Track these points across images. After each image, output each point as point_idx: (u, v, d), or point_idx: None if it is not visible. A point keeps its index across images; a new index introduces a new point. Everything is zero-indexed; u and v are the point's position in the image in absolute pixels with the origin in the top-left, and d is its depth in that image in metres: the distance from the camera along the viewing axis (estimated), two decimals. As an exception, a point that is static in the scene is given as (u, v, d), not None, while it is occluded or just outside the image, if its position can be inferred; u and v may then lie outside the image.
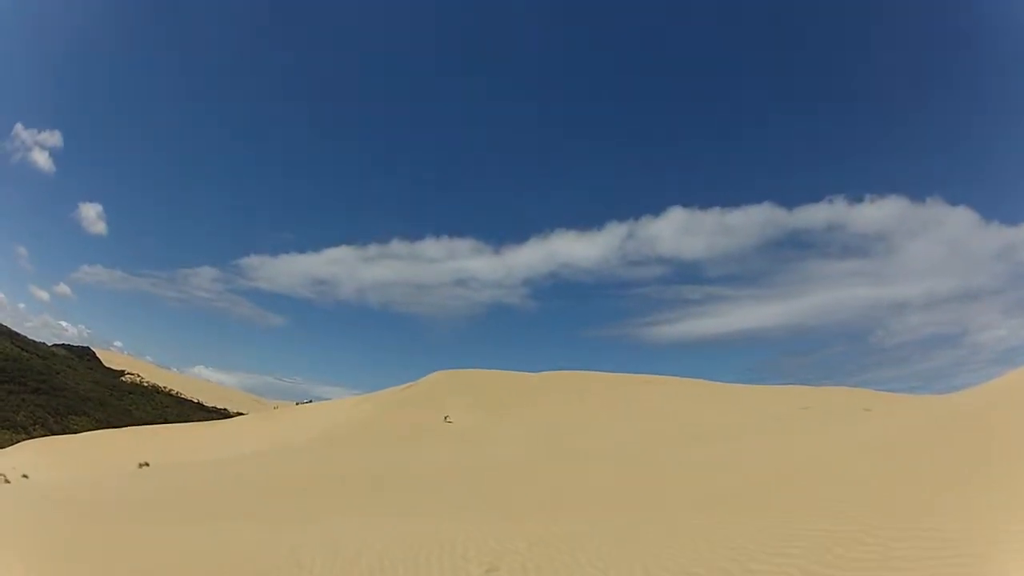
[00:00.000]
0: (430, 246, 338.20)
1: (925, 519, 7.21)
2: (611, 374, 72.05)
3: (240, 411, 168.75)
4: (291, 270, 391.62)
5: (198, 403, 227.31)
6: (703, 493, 13.66)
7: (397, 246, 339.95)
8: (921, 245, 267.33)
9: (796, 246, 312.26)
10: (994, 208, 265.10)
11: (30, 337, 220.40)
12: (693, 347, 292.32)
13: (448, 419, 52.91)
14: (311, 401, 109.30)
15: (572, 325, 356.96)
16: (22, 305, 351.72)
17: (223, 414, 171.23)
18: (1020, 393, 16.75)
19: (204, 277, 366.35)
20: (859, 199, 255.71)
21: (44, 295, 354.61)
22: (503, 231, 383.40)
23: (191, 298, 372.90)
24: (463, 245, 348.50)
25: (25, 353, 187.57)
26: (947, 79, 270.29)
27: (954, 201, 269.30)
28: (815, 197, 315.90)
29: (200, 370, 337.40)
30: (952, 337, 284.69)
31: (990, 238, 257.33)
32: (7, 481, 39.17)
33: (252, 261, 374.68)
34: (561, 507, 14.77)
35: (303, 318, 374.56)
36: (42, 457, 56.91)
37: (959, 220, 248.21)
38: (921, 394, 63.60)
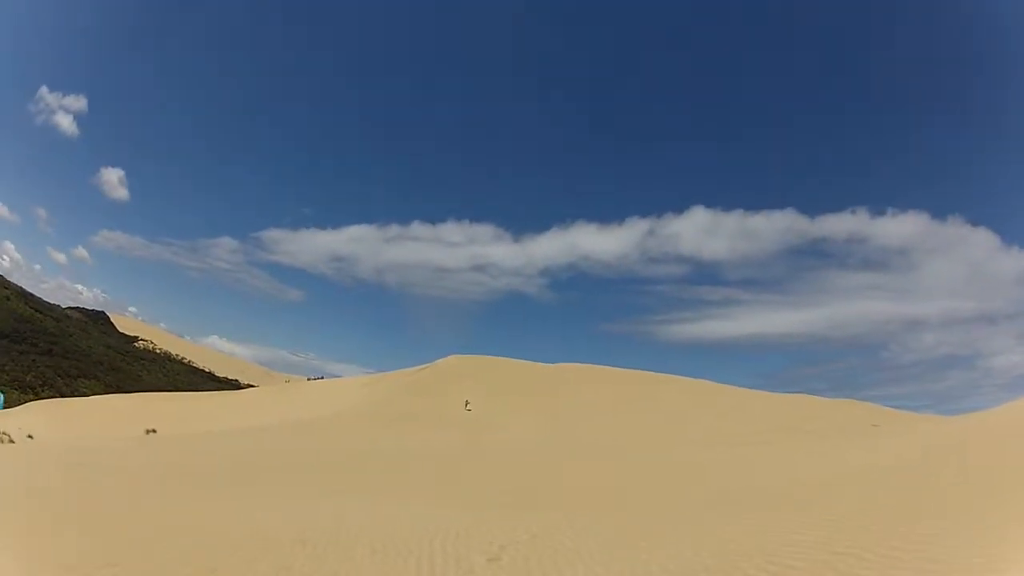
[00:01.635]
0: (451, 230, 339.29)
1: (926, 540, 7.16)
2: (624, 370, 72.11)
3: (251, 383, 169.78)
4: (311, 246, 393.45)
5: (209, 373, 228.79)
6: (707, 499, 13.59)
7: (418, 228, 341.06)
8: (940, 264, 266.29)
9: (816, 255, 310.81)
10: (1015, 233, 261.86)
11: (45, 299, 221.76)
12: (707, 348, 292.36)
13: (468, 407, 51.98)
14: (323, 377, 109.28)
15: (588, 318, 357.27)
16: (38, 266, 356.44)
17: (234, 385, 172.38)
18: None
19: (224, 248, 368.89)
20: (881, 212, 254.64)
21: (62, 258, 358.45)
22: (524, 219, 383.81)
23: (210, 268, 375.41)
24: (484, 231, 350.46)
25: (39, 314, 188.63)
26: (975, 99, 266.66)
27: (975, 222, 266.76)
28: (838, 207, 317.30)
29: (214, 340, 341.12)
30: (965, 359, 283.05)
31: (1010, 263, 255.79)
32: (11, 441, 38.60)
33: (273, 235, 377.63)
34: (566, 499, 14.80)
35: (320, 294, 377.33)
36: (49, 418, 56.94)
37: (979, 241, 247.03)
38: (931, 413, 63.85)
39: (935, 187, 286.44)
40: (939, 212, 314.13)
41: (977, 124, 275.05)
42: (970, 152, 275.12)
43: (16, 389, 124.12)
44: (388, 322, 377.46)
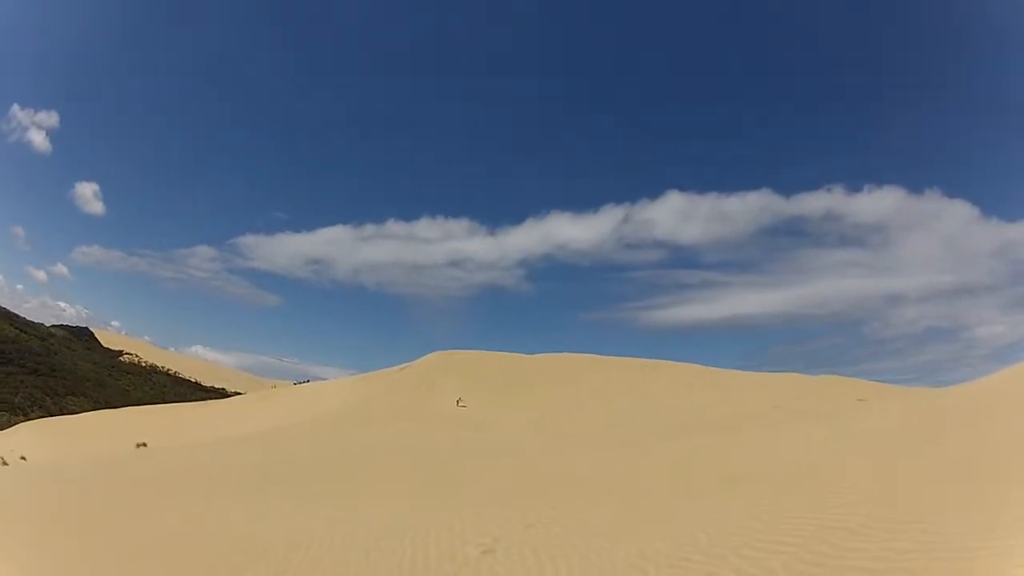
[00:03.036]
0: (425, 226, 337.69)
1: (919, 512, 7.27)
2: (608, 358, 71.85)
3: (238, 391, 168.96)
4: (287, 250, 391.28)
5: (196, 383, 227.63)
6: (699, 482, 13.74)
7: (393, 226, 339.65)
8: (918, 238, 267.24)
9: (793, 234, 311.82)
10: (993, 204, 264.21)
11: (28, 318, 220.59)
12: (687, 332, 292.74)
13: (461, 403, 52.70)
14: (308, 381, 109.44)
15: (567, 307, 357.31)
16: (20, 286, 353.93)
17: (221, 394, 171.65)
18: (1017, 389, 16.87)
19: (201, 257, 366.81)
20: (857, 189, 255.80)
21: (42, 276, 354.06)
22: (499, 212, 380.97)
23: (188, 278, 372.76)
24: (458, 226, 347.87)
25: (23, 334, 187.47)
26: (948, 72, 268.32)
27: (952, 194, 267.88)
28: (813, 185, 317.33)
29: (198, 350, 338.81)
30: (948, 331, 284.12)
31: (989, 234, 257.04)
32: (5, 463, 39.35)
33: (248, 240, 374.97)
34: (557, 491, 14.77)
35: (299, 298, 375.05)
36: (40, 439, 57.03)
37: (957, 214, 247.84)
38: (916, 386, 64.16)
39: (910, 162, 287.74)
40: (915, 186, 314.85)
41: (951, 97, 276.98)
42: (945, 125, 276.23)
43: (5, 411, 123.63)
44: (369, 322, 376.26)
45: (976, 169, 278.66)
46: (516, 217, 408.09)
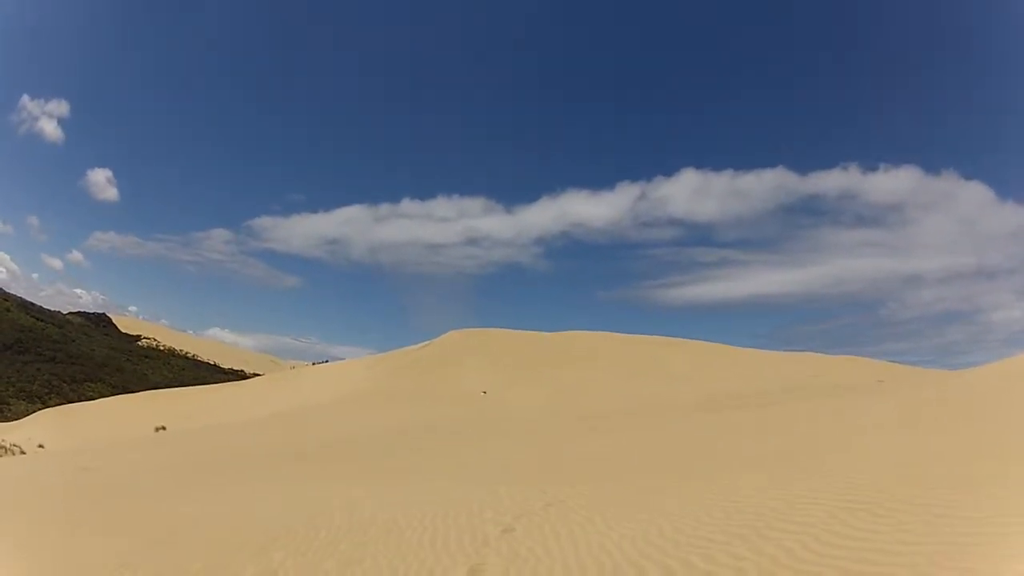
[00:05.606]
0: (441, 205, 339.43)
1: (940, 493, 7.16)
2: (627, 335, 71.89)
3: (256, 372, 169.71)
4: (303, 231, 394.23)
5: (214, 365, 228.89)
6: (720, 460, 13.62)
7: (408, 205, 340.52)
8: (935, 219, 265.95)
9: (809, 212, 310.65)
10: (1009, 187, 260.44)
11: (44, 307, 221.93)
12: (704, 310, 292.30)
13: (485, 393, 51.71)
14: (327, 361, 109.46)
15: (584, 285, 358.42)
16: (35, 275, 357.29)
17: (240, 376, 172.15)
18: None
19: (217, 239, 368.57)
20: (873, 168, 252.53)
21: (57, 264, 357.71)
22: (514, 190, 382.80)
23: (205, 261, 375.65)
24: (474, 204, 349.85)
25: (40, 323, 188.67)
26: (966, 54, 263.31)
27: (968, 176, 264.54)
28: (829, 164, 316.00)
29: (216, 332, 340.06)
30: (965, 314, 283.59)
31: (1005, 216, 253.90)
32: (22, 452, 38.84)
33: (264, 222, 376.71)
34: (578, 469, 14.75)
35: (316, 278, 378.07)
36: (58, 426, 57.13)
37: (973, 196, 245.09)
38: (934, 368, 63.90)
39: (927, 142, 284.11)
40: (932, 167, 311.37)
41: (968, 78, 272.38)
42: (961, 106, 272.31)
43: (24, 399, 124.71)
44: (386, 302, 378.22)
45: (992, 152, 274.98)
46: (531, 195, 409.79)
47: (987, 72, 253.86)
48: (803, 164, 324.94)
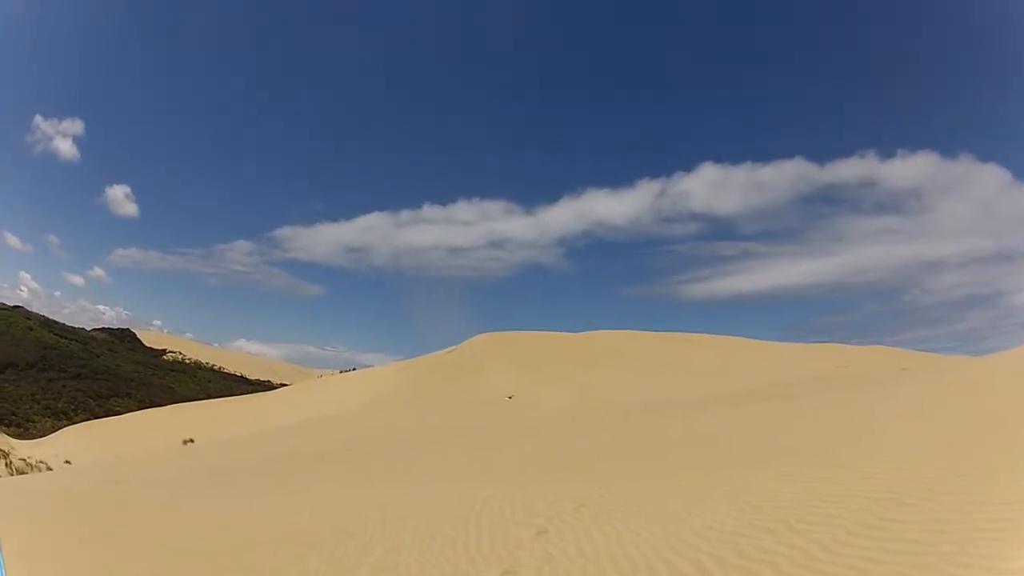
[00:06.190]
0: (462, 209, 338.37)
1: (967, 481, 7.19)
2: (652, 333, 72.48)
3: (284, 382, 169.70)
4: (325, 239, 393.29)
5: (241, 377, 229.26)
6: (751, 454, 13.60)
7: (429, 210, 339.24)
8: (954, 203, 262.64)
9: (829, 202, 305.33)
10: None
11: (67, 324, 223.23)
12: (728, 304, 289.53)
13: (510, 397, 51.04)
14: (354, 369, 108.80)
15: (608, 283, 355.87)
16: (58, 293, 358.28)
17: (267, 386, 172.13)
18: None
19: (239, 251, 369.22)
20: (890, 154, 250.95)
21: (79, 280, 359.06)
22: (534, 191, 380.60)
23: (228, 272, 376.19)
24: (495, 207, 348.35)
25: (64, 340, 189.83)
26: (979, 37, 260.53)
27: (985, 158, 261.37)
28: (846, 152, 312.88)
29: (242, 344, 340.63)
30: (987, 298, 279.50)
31: (1023, 199, 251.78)
32: (49, 468, 38.25)
33: (286, 232, 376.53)
34: (607, 467, 14.88)
35: (340, 286, 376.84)
36: (85, 441, 57.30)
37: (991, 178, 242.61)
38: (957, 355, 63.76)
39: (942, 126, 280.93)
40: (948, 151, 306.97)
41: (981, 60, 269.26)
42: (976, 89, 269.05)
43: (49, 416, 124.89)
44: (411, 307, 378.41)
45: (1008, 133, 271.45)
46: (552, 196, 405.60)
47: (999, 53, 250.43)
48: (821, 154, 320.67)
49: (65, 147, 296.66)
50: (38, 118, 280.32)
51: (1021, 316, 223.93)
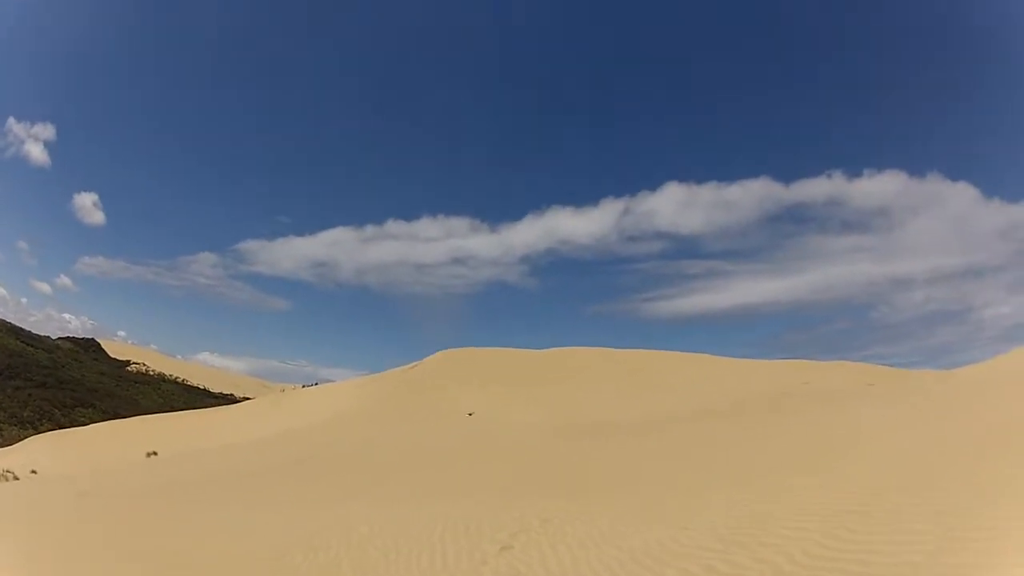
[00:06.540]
0: (426, 225, 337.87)
1: (932, 492, 7.27)
2: (615, 350, 71.52)
3: (247, 396, 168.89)
4: (290, 254, 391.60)
5: (204, 389, 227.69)
6: (717, 470, 13.68)
7: (393, 226, 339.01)
8: (922, 221, 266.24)
9: (795, 221, 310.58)
10: (995, 185, 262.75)
11: (34, 332, 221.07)
12: (694, 322, 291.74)
13: (471, 414, 51.94)
14: (317, 384, 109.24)
15: (572, 302, 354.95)
16: (24, 300, 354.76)
17: (230, 399, 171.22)
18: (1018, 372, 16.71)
19: (204, 263, 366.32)
20: (857, 174, 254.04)
21: (46, 288, 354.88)
22: (499, 209, 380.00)
23: (192, 285, 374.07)
24: (459, 224, 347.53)
25: (30, 348, 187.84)
26: (946, 56, 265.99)
27: (954, 177, 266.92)
28: (813, 172, 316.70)
29: (205, 357, 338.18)
30: (956, 314, 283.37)
31: (992, 215, 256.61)
32: (16, 478, 39.19)
33: (251, 246, 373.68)
34: (573, 484, 14.77)
35: (304, 301, 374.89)
36: (51, 451, 57.04)
37: (960, 196, 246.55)
38: (925, 369, 63.24)
39: (910, 145, 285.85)
40: (916, 170, 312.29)
41: (950, 80, 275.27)
42: (944, 108, 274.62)
43: (15, 425, 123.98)
44: (375, 323, 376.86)
45: (977, 152, 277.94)
46: (516, 213, 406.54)
47: (968, 73, 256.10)
48: (787, 174, 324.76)
49: (36, 152, 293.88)
50: (11, 120, 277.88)
51: (992, 330, 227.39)
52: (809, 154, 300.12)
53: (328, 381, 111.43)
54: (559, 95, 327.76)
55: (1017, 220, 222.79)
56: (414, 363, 74.52)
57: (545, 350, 73.73)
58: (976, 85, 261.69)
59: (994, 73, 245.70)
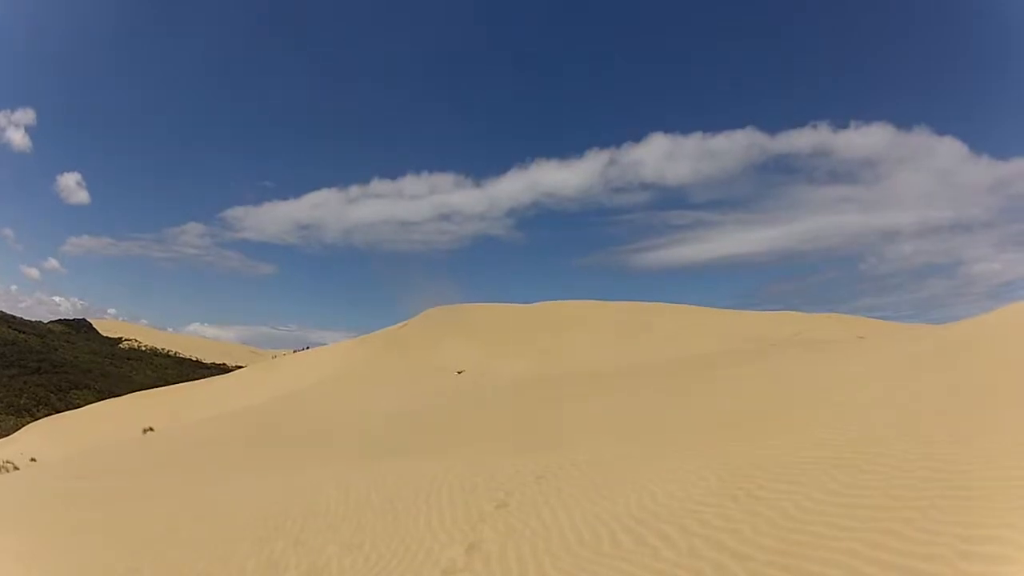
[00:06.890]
0: (411, 183, 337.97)
1: (926, 445, 7.28)
2: (604, 302, 72.11)
3: (239, 364, 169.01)
4: (275, 218, 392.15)
5: (196, 361, 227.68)
6: (707, 421, 13.76)
7: (378, 185, 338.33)
8: (910, 174, 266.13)
9: (781, 171, 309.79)
10: (983, 142, 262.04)
11: (25, 317, 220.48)
12: (682, 272, 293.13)
13: (461, 372, 52.26)
14: (308, 348, 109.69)
15: (559, 254, 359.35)
16: (14, 287, 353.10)
17: (222, 369, 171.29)
18: (1017, 327, 16.79)
19: (191, 234, 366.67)
20: (844, 125, 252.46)
21: (35, 273, 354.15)
22: (483, 163, 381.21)
23: (180, 256, 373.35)
24: (444, 180, 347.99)
25: (22, 335, 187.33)
26: (934, 10, 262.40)
27: (941, 131, 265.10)
28: (798, 122, 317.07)
29: (196, 327, 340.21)
30: (946, 267, 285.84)
31: (981, 171, 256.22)
32: (15, 468, 39.51)
33: (236, 212, 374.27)
34: (567, 438, 14.80)
35: (292, 265, 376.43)
36: (49, 437, 57.23)
37: (947, 151, 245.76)
38: (915, 323, 64.51)
39: (898, 98, 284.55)
40: (904, 123, 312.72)
41: (938, 34, 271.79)
42: (933, 62, 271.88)
43: (12, 414, 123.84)
44: (364, 283, 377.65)
45: (965, 107, 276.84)
46: (500, 167, 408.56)
47: (957, 29, 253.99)
48: (773, 124, 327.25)
49: (18, 138, 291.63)
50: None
51: (981, 285, 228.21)
52: (794, 105, 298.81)
53: (319, 344, 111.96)
54: (541, 47, 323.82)
55: (1006, 176, 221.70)
56: (403, 322, 74.74)
57: (534, 304, 74.05)
58: (966, 41, 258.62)
59: (985, 30, 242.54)
